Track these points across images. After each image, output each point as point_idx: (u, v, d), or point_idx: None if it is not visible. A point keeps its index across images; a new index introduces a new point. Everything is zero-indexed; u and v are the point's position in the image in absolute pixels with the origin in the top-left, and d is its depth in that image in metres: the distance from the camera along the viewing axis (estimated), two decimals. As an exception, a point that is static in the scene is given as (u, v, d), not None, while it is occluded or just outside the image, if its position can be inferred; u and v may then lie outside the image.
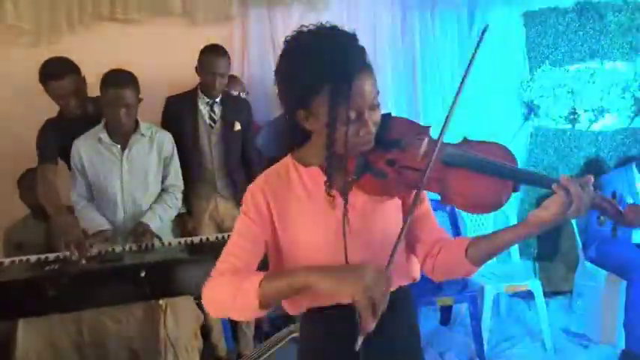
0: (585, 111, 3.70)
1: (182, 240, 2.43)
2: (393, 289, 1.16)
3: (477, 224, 3.41)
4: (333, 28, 1.07)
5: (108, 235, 2.32)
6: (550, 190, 0.98)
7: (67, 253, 2.13)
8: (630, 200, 3.00)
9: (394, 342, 1.19)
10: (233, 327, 2.93)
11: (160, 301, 2.15)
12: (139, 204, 2.45)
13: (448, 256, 1.13)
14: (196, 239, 2.43)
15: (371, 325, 0.92)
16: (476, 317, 2.92)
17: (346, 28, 1.08)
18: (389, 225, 1.15)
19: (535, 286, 3.04)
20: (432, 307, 3.25)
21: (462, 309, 3.34)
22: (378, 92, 1.07)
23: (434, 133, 1.14)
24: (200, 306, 2.61)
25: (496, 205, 1.04)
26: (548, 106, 3.69)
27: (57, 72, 2.35)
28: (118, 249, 2.27)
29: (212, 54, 2.69)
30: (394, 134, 1.11)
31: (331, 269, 1.00)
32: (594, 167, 3.66)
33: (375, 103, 1.07)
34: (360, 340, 0.95)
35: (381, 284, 0.94)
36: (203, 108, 2.77)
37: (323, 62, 1.01)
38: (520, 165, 1.09)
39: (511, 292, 3.32)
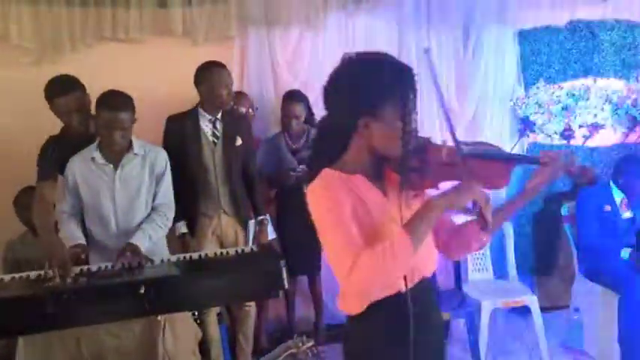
0: (580, 127, 3.74)
1: (181, 256, 2.44)
2: (428, 275, 1.37)
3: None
4: (384, 52, 1.29)
5: (80, 250, 2.28)
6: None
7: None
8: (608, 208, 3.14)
9: (437, 331, 1.41)
10: (231, 343, 2.94)
11: (159, 318, 2.16)
12: (132, 223, 2.42)
13: (465, 230, 1.37)
14: (195, 255, 2.43)
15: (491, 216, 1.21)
16: (473, 332, 2.93)
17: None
18: None
19: (532, 301, 3.06)
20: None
21: (460, 324, 3.34)
22: None
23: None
24: (198, 322, 2.62)
25: (507, 181, 1.33)
26: (543, 123, 3.73)
27: (63, 88, 2.39)
28: (117, 266, 2.27)
29: (213, 67, 2.71)
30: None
31: (447, 191, 1.20)
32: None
33: None
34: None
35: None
36: (205, 125, 2.78)
37: (393, 76, 1.23)
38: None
39: (508, 307, 3.33)
